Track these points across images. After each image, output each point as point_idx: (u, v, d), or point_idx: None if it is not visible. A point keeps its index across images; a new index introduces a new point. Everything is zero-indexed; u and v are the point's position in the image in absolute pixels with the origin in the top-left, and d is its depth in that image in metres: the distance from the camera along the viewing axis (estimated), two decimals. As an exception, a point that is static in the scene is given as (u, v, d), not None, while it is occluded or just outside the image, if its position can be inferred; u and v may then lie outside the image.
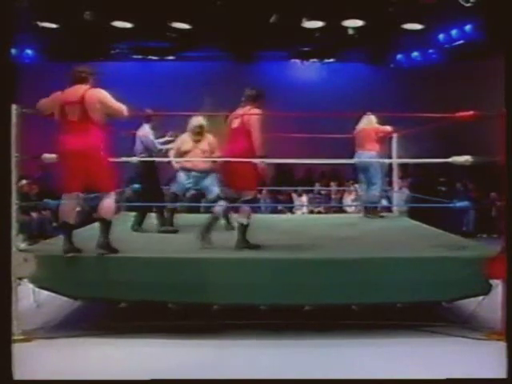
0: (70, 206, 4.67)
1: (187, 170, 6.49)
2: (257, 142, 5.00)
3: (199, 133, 6.45)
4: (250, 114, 5.06)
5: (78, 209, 4.96)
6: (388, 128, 7.45)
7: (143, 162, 6.15)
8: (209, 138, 6.53)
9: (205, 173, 6.47)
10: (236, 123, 5.16)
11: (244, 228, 5.04)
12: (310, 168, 13.94)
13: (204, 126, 6.47)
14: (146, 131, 6.27)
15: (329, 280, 4.50)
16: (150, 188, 6.24)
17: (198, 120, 6.46)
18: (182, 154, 6.44)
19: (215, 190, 6.33)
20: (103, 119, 4.63)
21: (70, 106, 4.54)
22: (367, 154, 7.34)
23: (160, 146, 6.37)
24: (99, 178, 4.61)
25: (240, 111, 5.16)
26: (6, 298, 2.79)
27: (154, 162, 6.23)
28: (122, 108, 4.71)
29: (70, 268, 4.61)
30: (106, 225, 4.64)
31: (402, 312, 4.65)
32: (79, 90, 4.57)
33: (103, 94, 4.61)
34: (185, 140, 6.51)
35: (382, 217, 7.50)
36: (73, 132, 4.53)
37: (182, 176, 6.56)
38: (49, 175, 12.16)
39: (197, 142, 6.46)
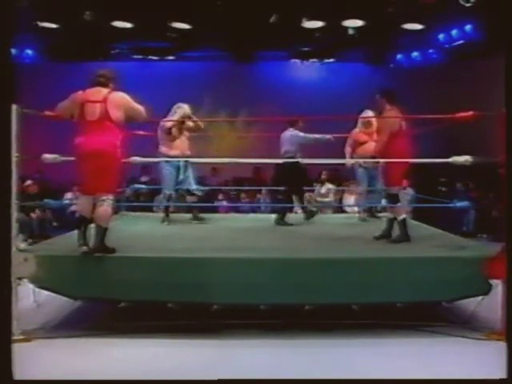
0: (87, 203, 4.66)
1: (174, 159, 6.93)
2: None
3: (183, 122, 7.00)
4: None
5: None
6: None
7: (292, 161, 6.70)
8: (187, 125, 7.09)
9: (187, 162, 6.98)
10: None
11: (403, 223, 5.34)
12: (310, 168, 13.93)
13: (190, 115, 7.07)
14: (294, 132, 6.91)
15: (329, 280, 4.51)
16: (296, 186, 6.92)
17: (187, 109, 7.02)
18: (168, 140, 6.95)
19: (193, 182, 7.06)
20: (122, 121, 4.68)
21: (91, 104, 4.56)
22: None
23: (314, 136, 6.93)
24: (110, 179, 4.61)
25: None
26: (6, 298, 2.79)
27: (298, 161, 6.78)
28: (144, 112, 4.82)
29: (70, 268, 4.61)
30: (101, 230, 4.61)
31: (402, 312, 4.65)
32: (102, 91, 4.62)
33: (126, 99, 4.69)
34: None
35: (364, 220, 7.35)
36: (91, 132, 4.52)
37: (168, 169, 6.95)
38: (49, 175, 12.19)
39: (181, 128, 7.02)
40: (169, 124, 6.88)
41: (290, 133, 6.92)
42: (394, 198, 5.48)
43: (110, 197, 4.63)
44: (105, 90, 4.62)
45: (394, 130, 5.37)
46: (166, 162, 6.92)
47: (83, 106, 4.57)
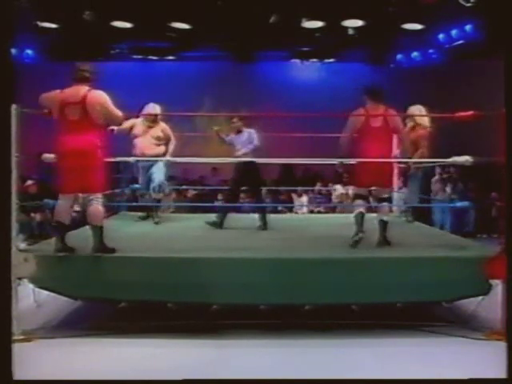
0: (65, 206, 4.67)
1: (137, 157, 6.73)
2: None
3: (153, 120, 6.74)
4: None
5: (76, 209, 4.93)
6: None
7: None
8: (162, 126, 6.79)
9: (153, 160, 6.74)
10: (378, 123, 5.20)
11: (385, 225, 5.15)
12: (310, 168, 13.94)
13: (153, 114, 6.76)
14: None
15: (329, 280, 4.51)
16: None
17: (154, 107, 6.70)
18: (132, 137, 6.76)
19: (159, 179, 6.71)
20: (103, 121, 4.66)
21: (70, 106, 4.55)
22: None
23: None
24: (94, 179, 4.61)
25: (378, 110, 5.24)
26: (6, 298, 2.79)
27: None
28: (120, 117, 4.79)
29: (69, 268, 4.61)
30: (97, 230, 4.62)
31: (402, 312, 4.65)
32: (80, 90, 4.58)
33: (104, 99, 4.64)
34: (137, 123, 6.74)
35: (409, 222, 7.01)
36: (73, 132, 4.53)
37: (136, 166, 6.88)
38: (48, 175, 12.19)
39: (149, 127, 6.74)
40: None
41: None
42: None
43: (99, 195, 4.64)
44: (83, 89, 4.58)
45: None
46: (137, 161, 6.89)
47: (63, 106, 4.56)
